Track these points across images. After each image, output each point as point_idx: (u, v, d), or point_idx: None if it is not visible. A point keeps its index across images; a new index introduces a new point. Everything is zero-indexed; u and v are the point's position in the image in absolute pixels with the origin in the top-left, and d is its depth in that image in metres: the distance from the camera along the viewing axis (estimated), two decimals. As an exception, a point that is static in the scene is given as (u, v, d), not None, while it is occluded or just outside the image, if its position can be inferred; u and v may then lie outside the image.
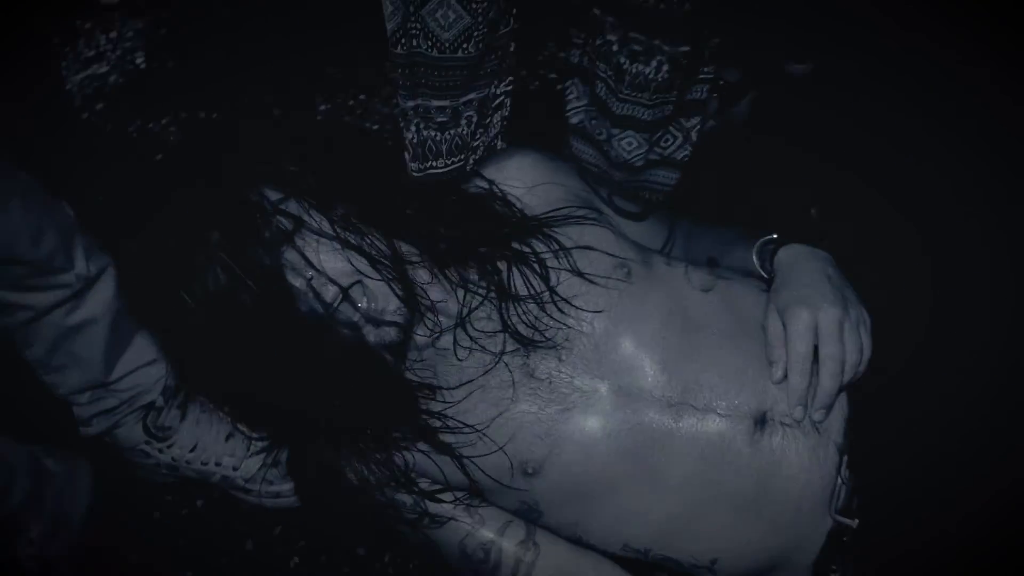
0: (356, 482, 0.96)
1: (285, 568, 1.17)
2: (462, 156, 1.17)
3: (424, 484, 0.99)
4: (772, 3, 1.26)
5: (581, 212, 1.07)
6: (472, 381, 0.97)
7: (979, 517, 0.92)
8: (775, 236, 1.08)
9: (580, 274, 1.01)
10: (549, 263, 1.02)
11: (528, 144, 1.16)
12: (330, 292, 0.88)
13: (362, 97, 1.72)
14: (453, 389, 0.97)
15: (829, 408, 0.95)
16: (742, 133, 1.44)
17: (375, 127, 1.64)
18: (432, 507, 0.97)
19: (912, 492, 0.95)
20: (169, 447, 1.14)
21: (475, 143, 1.18)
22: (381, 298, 0.92)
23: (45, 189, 1.04)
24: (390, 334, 0.92)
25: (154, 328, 1.07)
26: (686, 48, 1.14)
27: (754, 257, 1.09)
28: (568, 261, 1.01)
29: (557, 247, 1.02)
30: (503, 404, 0.96)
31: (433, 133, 1.10)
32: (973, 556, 0.90)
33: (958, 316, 1.04)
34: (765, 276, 1.07)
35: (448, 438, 0.97)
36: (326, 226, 0.91)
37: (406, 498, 0.97)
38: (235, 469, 1.15)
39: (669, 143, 1.29)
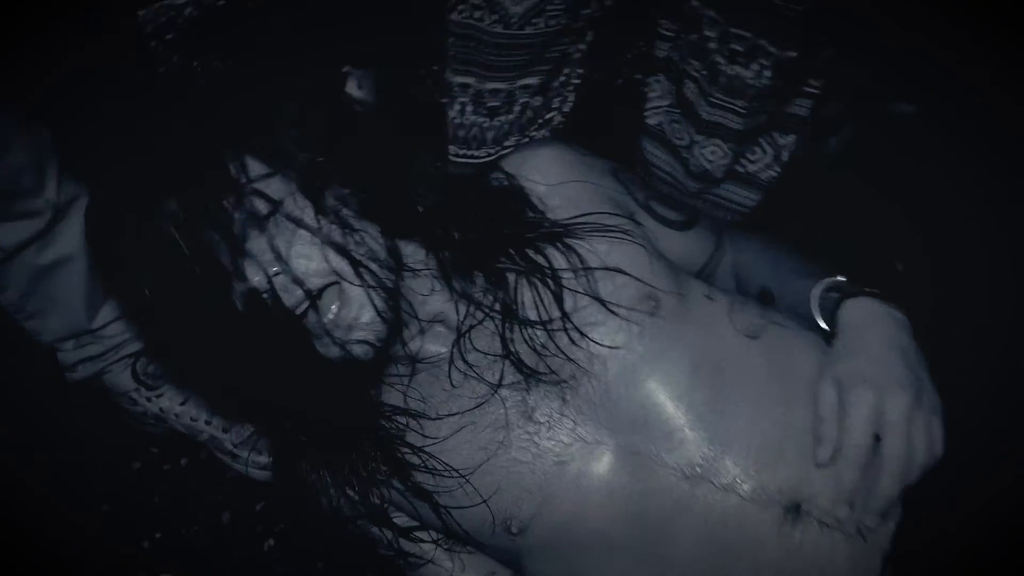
0: (326, 504, 0.85)
1: (257, 548, 1.07)
2: (509, 147, 1.06)
3: (401, 520, 0.87)
4: (898, 29, 1.12)
5: (613, 222, 0.91)
6: (461, 415, 0.84)
7: (979, 517, 0.86)
8: (843, 280, 0.91)
9: (600, 301, 0.85)
10: (566, 281, 0.87)
11: (558, 136, 1.03)
12: (293, 295, 0.75)
13: (435, 67, 1.63)
14: (437, 420, 0.84)
15: (884, 514, 0.79)
16: (828, 167, 1.31)
17: (444, 100, 1.53)
18: (408, 546, 0.85)
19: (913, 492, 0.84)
20: (158, 397, 1.05)
21: (528, 134, 1.07)
22: (356, 307, 0.78)
23: (19, 108, 0.95)
24: (357, 350, 0.78)
25: (109, 291, 0.96)
26: (794, 54, 1.01)
27: (814, 302, 0.91)
28: (588, 283, 0.86)
29: (579, 264, 0.87)
30: (492, 448, 0.82)
31: (480, 119, 0.99)
32: (973, 556, 0.84)
33: (958, 316, 0.99)
34: (826, 329, 0.90)
35: (424, 477, 0.83)
36: (309, 215, 0.77)
37: (380, 532, 0.85)
38: (224, 431, 1.05)
39: (756, 159, 1.16)
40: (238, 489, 1.09)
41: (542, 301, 0.84)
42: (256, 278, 0.73)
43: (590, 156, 0.98)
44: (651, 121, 1.21)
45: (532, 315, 0.84)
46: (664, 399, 0.82)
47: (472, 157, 0.99)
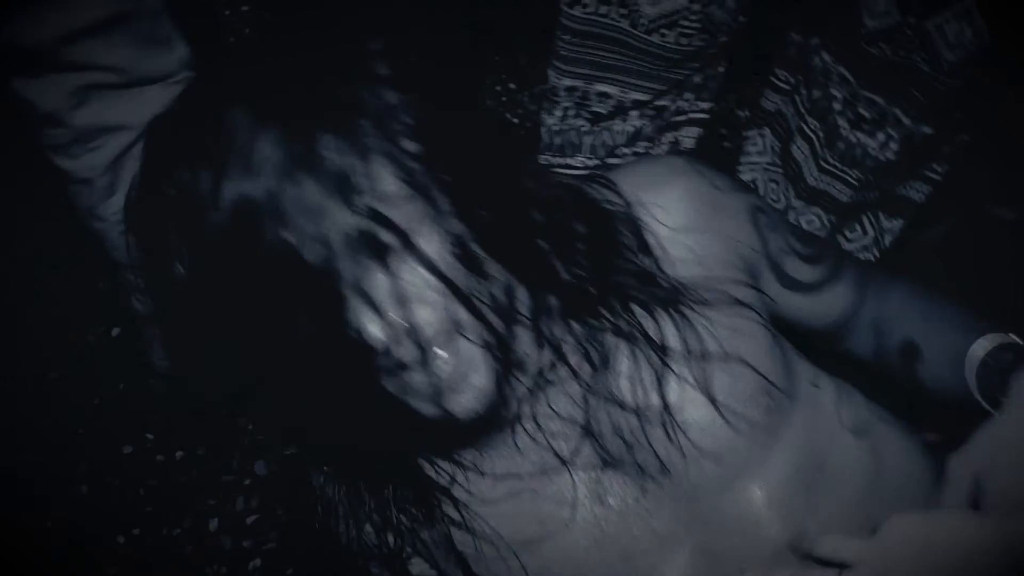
0: (341, 533, 0.73)
1: (241, 566, 0.95)
2: (600, 159, 0.97)
3: (418, 570, 0.75)
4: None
5: (741, 292, 0.75)
6: (521, 478, 0.70)
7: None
8: (1018, 341, 0.71)
9: (713, 402, 0.70)
10: (675, 361, 0.71)
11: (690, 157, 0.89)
12: (407, 348, 0.60)
13: (512, 86, 1.55)
14: (492, 477, 0.71)
15: None
16: (927, 259, 1.20)
17: (515, 120, 1.45)
18: None
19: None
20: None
21: (618, 151, 0.98)
22: (467, 366, 0.62)
23: None
24: (461, 414, 0.63)
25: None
26: (930, 131, 0.92)
27: (971, 365, 0.72)
28: (702, 372, 0.71)
29: (696, 345, 0.71)
30: (553, 524, 0.70)
31: (581, 123, 0.90)
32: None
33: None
34: (979, 401, 0.71)
35: (464, 537, 0.71)
36: (434, 247, 0.60)
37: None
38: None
39: (855, 238, 1.06)
40: (232, 496, 0.98)
41: (640, 379, 0.71)
42: (369, 323, 0.58)
43: (725, 188, 0.80)
44: (745, 176, 1.12)
45: (626, 393, 0.71)
46: (759, 504, 0.70)
47: (567, 165, 0.90)
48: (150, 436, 0.99)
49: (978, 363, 0.70)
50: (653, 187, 0.77)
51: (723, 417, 0.68)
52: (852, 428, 0.73)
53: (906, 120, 0.91)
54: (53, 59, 0.96)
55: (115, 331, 1.00)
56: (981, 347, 0.71)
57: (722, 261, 0.77)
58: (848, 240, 1.06)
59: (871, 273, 0.83)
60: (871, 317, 0.82)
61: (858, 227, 1.05)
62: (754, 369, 0.70)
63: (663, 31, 0.82)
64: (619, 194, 0.76)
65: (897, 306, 0.80)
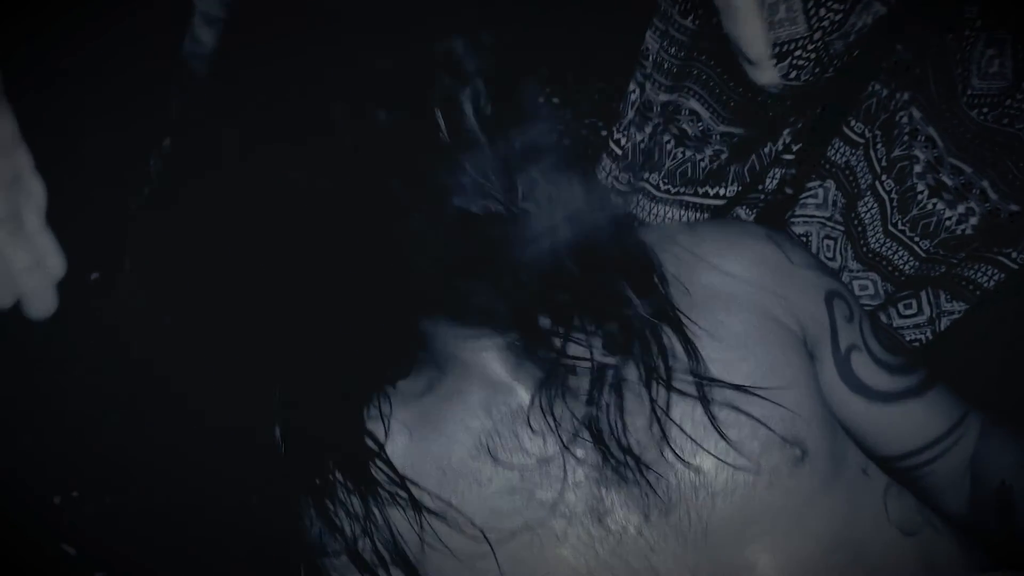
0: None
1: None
2: (680, 189, 0.89)
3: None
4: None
5: (791, 340, 0.71)
6: (513, 468, 0.66)
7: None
8: None
9: (719, 432, 0.64)
10: (680, 375, 0.66)
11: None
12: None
13: (556, 100, 1.48)
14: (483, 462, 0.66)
15: None
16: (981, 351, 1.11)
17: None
18: None
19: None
20: None
21: (700, 189, 0.90)
22: None
23: None
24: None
25: None
26: (1016, 208, 0.83)
27: None
28: (710, 411, 0.65)
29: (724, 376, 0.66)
30: (541, 534, 0.64)
31: (667, 138, 0.82)
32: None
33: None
34: None
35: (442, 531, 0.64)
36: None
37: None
38: None
39: (910, 315, 0.97)
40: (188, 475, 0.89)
41: (655, 398, 0.65)
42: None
43: (802, 264, 0.76)
44: (797, 230, 1.03)
45: (636, 409, 0.64)
46: (786, 570, 0.62)
47: (645, 182, 0.83)
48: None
49: None
50: (720, 246, 0.74)
51: (728, 444, 0.62)
52: (899, 524, 0.65)
53: (993, 195, 0.83)
54: None
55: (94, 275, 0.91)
56: None
57: (773, 332, 0.71)
58: (901, 316, 0.97)
59: (972, 409, 0.76)
60: (965, 459, 0.74)
61: (915, 303, 0.96)
62: (777, 404, 0.64)
63: (772, 60, 0.75)
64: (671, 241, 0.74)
65: (999, 444, 0.74)
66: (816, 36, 0.74)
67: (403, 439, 0.68)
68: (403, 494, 0.64)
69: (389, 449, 0.67)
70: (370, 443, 0.66)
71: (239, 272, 0.61)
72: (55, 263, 0.46)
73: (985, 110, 0.77)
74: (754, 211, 0.97)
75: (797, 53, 0.74)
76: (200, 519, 0.89)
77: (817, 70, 0.78)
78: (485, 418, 0.66)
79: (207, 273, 0.75)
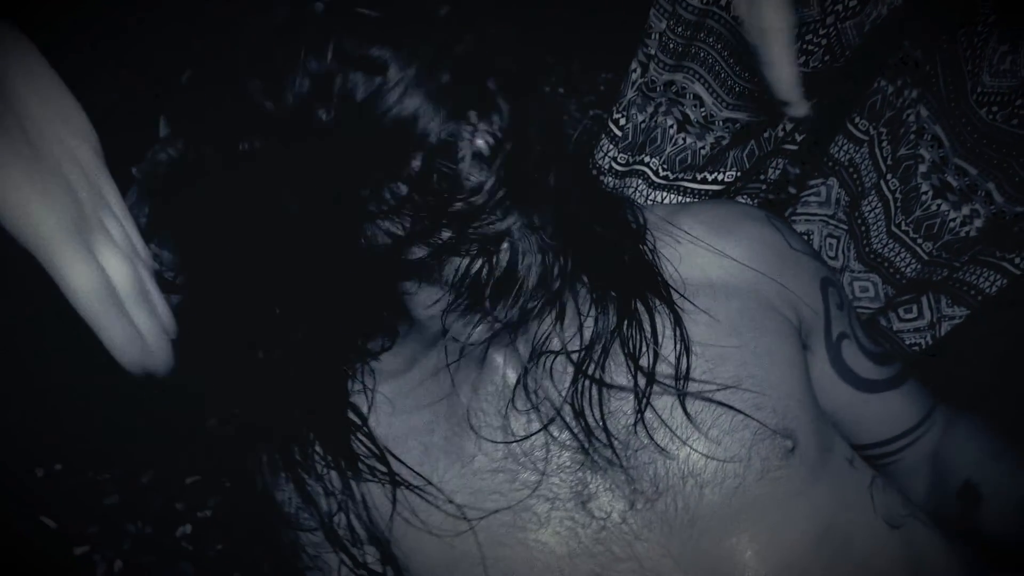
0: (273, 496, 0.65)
1: (168, 530, 0.85)
2: (679, 175, 0.88)
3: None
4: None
5: (787, 329, 0.70)
6: (496, 448, 0.64)
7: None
8: None
9: (699, 430, 0.62)
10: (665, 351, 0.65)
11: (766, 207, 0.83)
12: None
13: (561, 90, 1.46)
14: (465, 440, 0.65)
15: None
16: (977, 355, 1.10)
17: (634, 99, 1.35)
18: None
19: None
20: None
21: (699, 175, 0.89)
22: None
23: None
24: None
25: None
26: (1023, 211, 0.82)
27: None
28: (711, 393, 0.63)
29: (712, 366, 0.65)
30: (524, 516, 0.62)
31: (669, 121, 0.81)
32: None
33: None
34: None
35: (417, 505, 0.63)
36: None
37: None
38: None
39: (910, 319, 0.96)
40: (174, 451, 0.88)
41: (640, 383, 0.63)
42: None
43: (800, 249, 0.75)
44: (799, 227, 1.02)
45: (621, 384, 0.63)
46: (768, 563, 0.61)
47: (640, 164, 0.82)
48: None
49: None
50: (719, 229, 0.72)
51: (726, 448, 0.61)
52: (885, 517, 0.64)
53: (999, 197, 0.81)
54: None
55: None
56: None
57: (767, 315, 0.69)
58: (901, 319, 0.96)
59: (940, 402, 0.75)
60: (930, 449, 0.74)
61: (915, 308, 0.95)
62: (769, 396, 0.63)
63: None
64: (668, 223, 0.71)
65: (962, 440, 0.73)
66: (829, 20, 0.72)
67: (386, 413, 0.67)
68: (382, 468, 0.63)
69: (372, 423, 0.66)
70: (352, 416, 0.65)
71: (222, 241, 0.60)
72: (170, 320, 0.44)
73: (995, 109, 0.75)
74: (755, 201, 0.96)
75: (808, 37, 0.72)
76: (182, 495, 0.88)
77: (827, 58, 0.76)
78: (471, 395, 0.65)
79: (189, 243, 0.74)
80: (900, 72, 0.86)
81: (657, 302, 0.66)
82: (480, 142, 0.47)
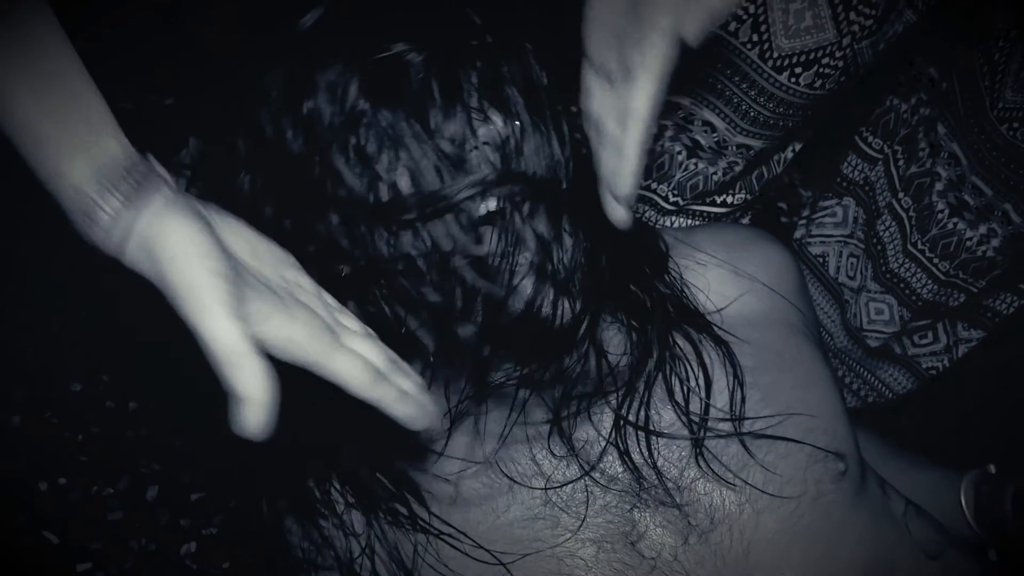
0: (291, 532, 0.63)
1: (173, 547, 0.83)
2: (685, 200, 0.87)
3: None
4: None
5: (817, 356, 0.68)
6: (543, 497, 0.61)
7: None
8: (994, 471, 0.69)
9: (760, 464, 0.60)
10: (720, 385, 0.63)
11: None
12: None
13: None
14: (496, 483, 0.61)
15: None
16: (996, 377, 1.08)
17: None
18: None
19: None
20: None
21: (707, 198, 0.88)
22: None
23: None
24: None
25: None
26: (1041, 233, 0.81)
27: (967, 495, 0.68)
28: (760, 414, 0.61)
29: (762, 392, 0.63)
30: (566, 557, 0.59)
31: (677, 147, 0.81)
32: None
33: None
34: (977, 532, 0.68)
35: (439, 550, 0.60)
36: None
37: None
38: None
39: (925, 344, 0.94)
40: (179, 466, 0.87)
41: (690, 407, 0.61)
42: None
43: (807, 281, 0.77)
44: (813, 250, 1.01)
45: (670, 420, 0.61)
46: None
47: (647, 189, 0.81)
48: (106, 377, 0.88)
49: (972, 499, 0.67)
50: (741, 251, 0.70)
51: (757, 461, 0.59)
52: (922, 545, 0.62)
53: (1016, 218, 0.81)
54: None
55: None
56: (969, 485, 0.68)
57: (789, 330, 0.68)
58: (916, 345, 0.95)
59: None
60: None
61: (931, 334, 0.94)
62: (815, 418, 0.61)
63: (797, 69, 0.73)
64: (688, 246, 0.69)
65: (873, 450, 0.74)
66: (845, 42, 0.72)
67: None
68: (405, 511, 0.60)
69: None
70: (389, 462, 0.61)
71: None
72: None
73: (1016, 125, 0.75)
74: (767, 224, 0.95)
75: (824, 60, 0.72)
76: (187, 511, 0.86)
77: (843, 79, 0.76)
78: (498, 441, 0.61)
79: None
80: (914, 89, 0.86)
81: (703, 336, 0.63)
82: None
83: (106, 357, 0.86)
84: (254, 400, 0.36)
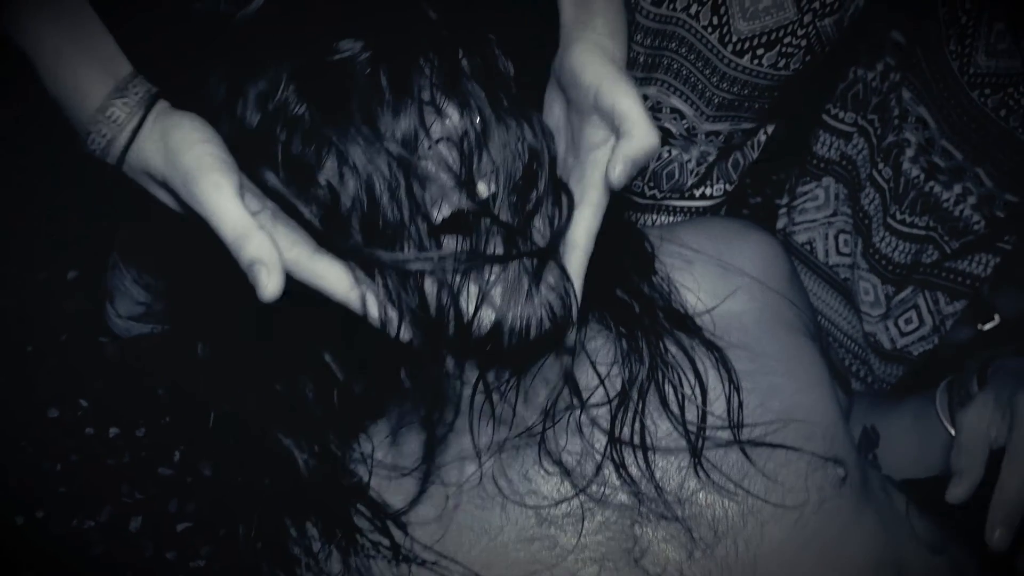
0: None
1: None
2: (662, 192, 0.87)
3: None
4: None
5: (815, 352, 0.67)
6: (536, 516, 0.58)
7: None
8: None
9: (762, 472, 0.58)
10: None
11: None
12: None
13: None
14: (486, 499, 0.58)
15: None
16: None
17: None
18: None
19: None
20: None
21: (686, 190, 0.88)
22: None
23: None
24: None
25: None
26: (1014, 198, 0.82)
27: (941, 400, 0.67)
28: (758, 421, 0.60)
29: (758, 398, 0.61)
30: None
31: None
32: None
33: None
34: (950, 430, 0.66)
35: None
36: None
37: None
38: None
39: (911, 327, 0.94)
40: (166, 494, 0.83)
41: (686, 414, 0.59)
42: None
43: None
44: (799, 238, 1.01)
45: (665, 430, 0.59)
46: None
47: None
48: (84, 403, 0.84)
49: (946, 403, 0.66)
50: (729, 244, 0.69)
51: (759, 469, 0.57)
52: (927, 542, 0.62)
53: (988, 182, 0.82)
54: None
55: (72, 274, 0.87)
56: (942, 390, 0.67)
57: (788, 327, 0.67)
58: (903, 334, 0.94)
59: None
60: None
61: (915, 316, 0.93)
62: (810, 423, 0.60)
63: (759, 51, 0.73)
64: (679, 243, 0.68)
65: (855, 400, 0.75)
66: (807, 19, 0.73)
67: (391, 481, 0.60)
68: (386, 543, 0.57)
69: (373, 494, 0.59)
70: (352, 487, 0.58)
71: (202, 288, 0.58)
72: None
73: (987, 91, 0.75)
74: (746, 214, 0.96)
75: (787, 40, 0.73)
76: (173, 543, 0.82)
77: (808, 59, 0.77)
78: (487, 458, 0.59)
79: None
80: (878, 56, 0.86)
81: (694, 341, 0.62)
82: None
83: (85, 379, 0.83)
84: (267, 262, 0.40)
